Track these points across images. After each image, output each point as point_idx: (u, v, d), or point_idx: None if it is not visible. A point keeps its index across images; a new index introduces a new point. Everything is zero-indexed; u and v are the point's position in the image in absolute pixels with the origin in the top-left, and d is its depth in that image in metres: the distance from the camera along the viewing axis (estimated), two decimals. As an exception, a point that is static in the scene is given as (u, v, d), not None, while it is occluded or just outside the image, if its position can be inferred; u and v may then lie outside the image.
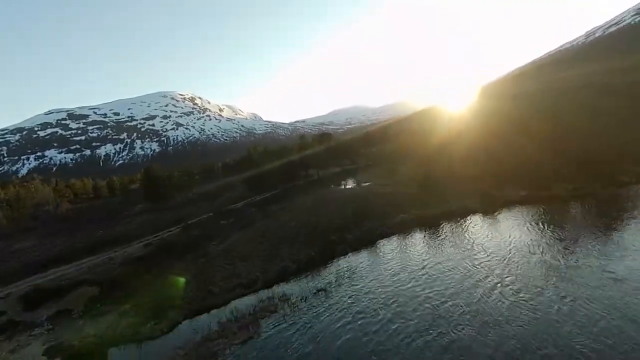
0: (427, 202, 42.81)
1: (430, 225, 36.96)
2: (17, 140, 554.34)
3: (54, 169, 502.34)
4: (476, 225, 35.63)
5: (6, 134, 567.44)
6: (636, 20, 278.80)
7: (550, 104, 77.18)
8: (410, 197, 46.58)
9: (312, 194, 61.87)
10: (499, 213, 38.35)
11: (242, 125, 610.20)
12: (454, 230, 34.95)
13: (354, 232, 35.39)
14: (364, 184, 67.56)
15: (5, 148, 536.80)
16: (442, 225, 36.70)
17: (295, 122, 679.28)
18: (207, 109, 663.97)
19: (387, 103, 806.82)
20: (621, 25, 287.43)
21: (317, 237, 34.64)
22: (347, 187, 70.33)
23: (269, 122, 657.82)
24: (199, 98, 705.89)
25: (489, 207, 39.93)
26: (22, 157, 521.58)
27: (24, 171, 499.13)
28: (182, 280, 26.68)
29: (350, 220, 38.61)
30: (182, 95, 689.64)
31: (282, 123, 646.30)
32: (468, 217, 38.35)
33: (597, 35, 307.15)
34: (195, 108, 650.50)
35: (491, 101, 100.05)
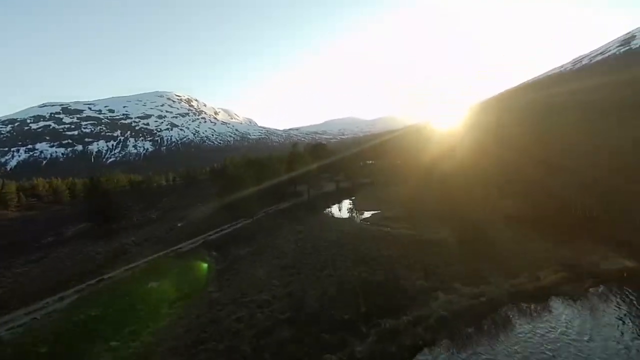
0: (476, 268, 26.40)
1: (492, 318, 20.70)
2: (8, 132, 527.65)
3: (44, 162, 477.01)
4: (573, 324, 19.47)
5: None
6: (621, 51, 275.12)
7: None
8: (445, 251, 30.18)
9: (299, 225, 45.17)
10: (603, 306, 22.08)
11: (237, 130, 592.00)
12: (537, 335, 18.67)
13: (365, 339, 18.77)
14: (368, 214, 51.13)
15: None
16: (513, 321, 20.45)
17: (290, 129, 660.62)
18: (202, 111, 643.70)
19: (380, 116, 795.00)
20: (606, 55, 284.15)
21: (301, 342, 18.04)
22: (346, 217, 53.74)
23: (263, 127, 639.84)
24: (195, 100, 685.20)
25: (579, 286, 23.79)
26: (12, 149, 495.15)
27: (12, 163, 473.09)
28: None
29: (359, 308, 21.77)
30: (178, 96, 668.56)
31: (276, 129, 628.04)
32: (550, 304, 22.16)
33: (583, 62, 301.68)
34: (191, 110, 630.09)
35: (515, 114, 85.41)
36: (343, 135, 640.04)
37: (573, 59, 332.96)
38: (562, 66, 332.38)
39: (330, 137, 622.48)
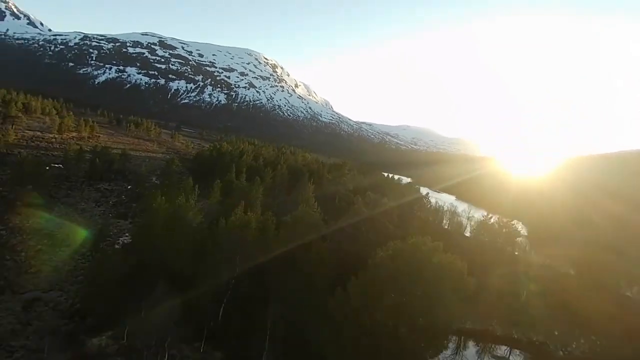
0: None
1: None
2: (108, 49, 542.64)
3: (128, 86, 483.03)
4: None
5: (102, 40, 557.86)
6: None
7: None
8: None
9: None
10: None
11: (310, 108, 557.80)
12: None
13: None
14: None
15: (95, 52, 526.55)
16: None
17: (362, 122, 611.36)
18: (284, 79, 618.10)
19: (458, 136, 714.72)
20: None
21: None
22: None
23: (336, 113, 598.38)
24: (281, 67, 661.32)
25: None
26: (106, 66, 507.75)
27: (101, 79, 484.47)
28: None
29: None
30: (266, 59, 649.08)
31: (349, 119, 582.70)
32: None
33: None
34: (273, 75, 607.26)
35: None
36: (415, 145, 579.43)
37: None
38: None
39: (402, 142, 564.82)
